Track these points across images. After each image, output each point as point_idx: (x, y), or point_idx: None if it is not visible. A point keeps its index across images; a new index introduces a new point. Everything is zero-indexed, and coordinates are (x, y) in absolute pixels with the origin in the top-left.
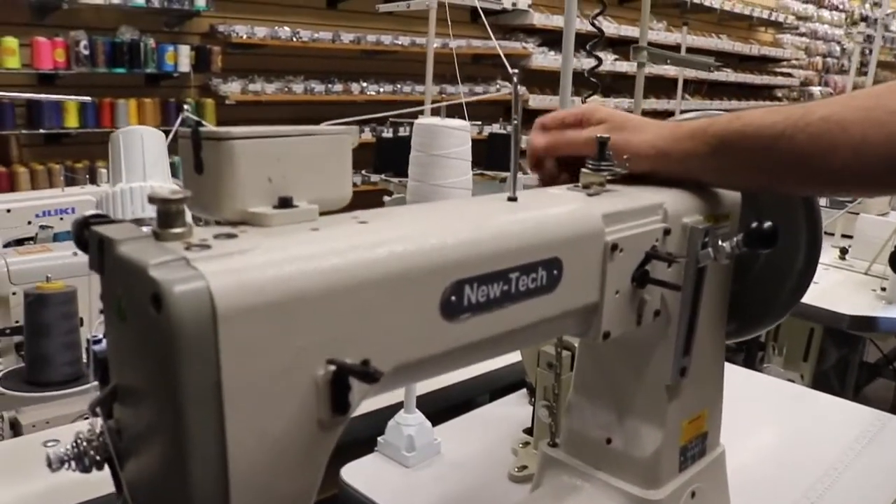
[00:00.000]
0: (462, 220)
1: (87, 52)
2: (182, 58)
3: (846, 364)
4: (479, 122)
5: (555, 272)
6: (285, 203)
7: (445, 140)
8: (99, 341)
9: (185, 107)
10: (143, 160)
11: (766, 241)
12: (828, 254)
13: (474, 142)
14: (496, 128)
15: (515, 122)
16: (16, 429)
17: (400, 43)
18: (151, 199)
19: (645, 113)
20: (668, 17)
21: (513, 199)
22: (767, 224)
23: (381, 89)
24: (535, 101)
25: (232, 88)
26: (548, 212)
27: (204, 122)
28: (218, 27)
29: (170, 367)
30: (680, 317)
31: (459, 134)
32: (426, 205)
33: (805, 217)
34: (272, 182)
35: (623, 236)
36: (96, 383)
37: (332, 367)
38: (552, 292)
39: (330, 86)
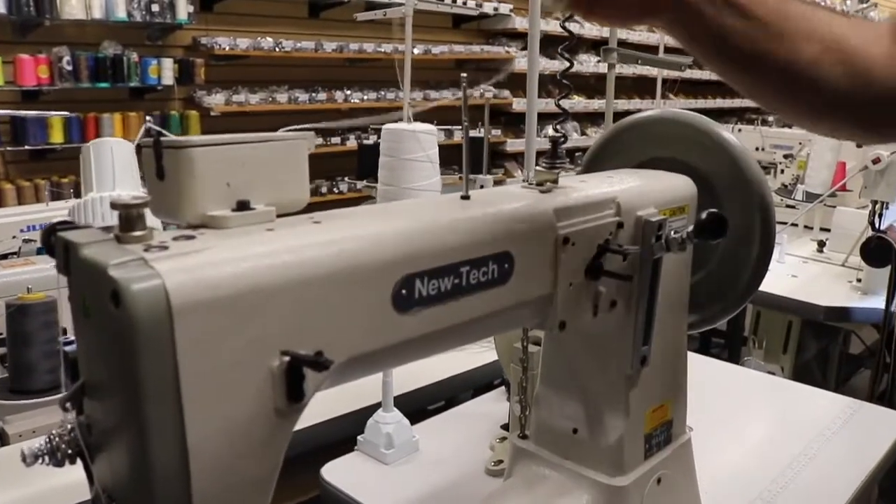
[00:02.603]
0: (414, 217)
1: (70, 68)
2: (165, 71)
3: (826, 356)
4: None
5: (506, 265)
6: (243, 206)
7: (413, 144)
8: (70, 342)
9: (148, 118)
10: (113, 170)
11: (715, 231)
12: (806, 247)
13: (456, 145)
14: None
15: (465, 123)
16: (2, 439)
17: (383, 50)
18: (113, 205)
19: (626, 113)
20: None
21: (465, 197)
22: (716, 214)
23: (365, 97)
24: (519, 104)
25: (216, 100)
26: (499, 208)
27: (165, 133)
28: (200, 39)
29: (129, 361)
30: (637, 307)
31: (426, 138)
32: (381, 205)
33: (759, 211)
34: (230, 187)
35: (575, 230)
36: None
37: (287, 358)
38: (504, 285)
39: (314, 94)
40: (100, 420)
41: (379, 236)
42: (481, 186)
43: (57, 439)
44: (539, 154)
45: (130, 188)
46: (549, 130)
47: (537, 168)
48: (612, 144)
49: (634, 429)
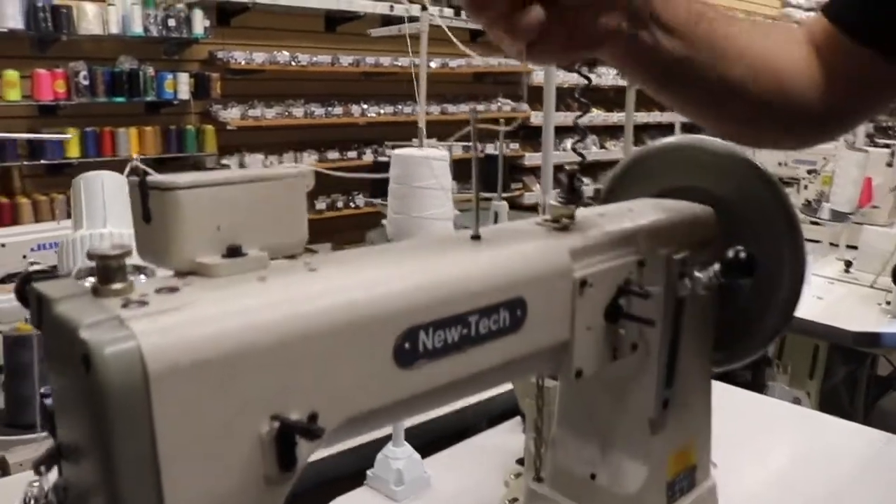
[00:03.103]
0: (417, 263)
1: (86, 83)
2: (181, 85)
3: (854, 380)
4: (466, 143)
5: (518, 312)
6: (234, 252)
7: (424, 171)
8: (48, 396)
9: (135, 156)
10: (104, 206)
11: (744, 270)
12: (832, 266)
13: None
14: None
15: (476, 154)
16: (3, 468)
17: (399, 64)
18: (90, 256)
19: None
20: None
21: (476, 237)
22: (744, 253)
23: (382, 111)
24: (537, 118)
25: (232, 114)
26: (511, 250)
27: (150, 172)
28: (217, 54)
29: (102, 429)
30: (659, 349)
31: (438, 164)
32: (383, 247)
33: (789, 241)
34: (221, 230)
35: (593, 272)
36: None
37: (277, 424)
38: (517, 332)
39: (330, 108)
40: (76, 485)
41: (380, 285)
42: (496, 214)
43: (32, 502)
44: (556, 169)
45: (122, 225)
46: (568, 144)
47: (552, 203)
48: (632, 173)
49: (656, 475)
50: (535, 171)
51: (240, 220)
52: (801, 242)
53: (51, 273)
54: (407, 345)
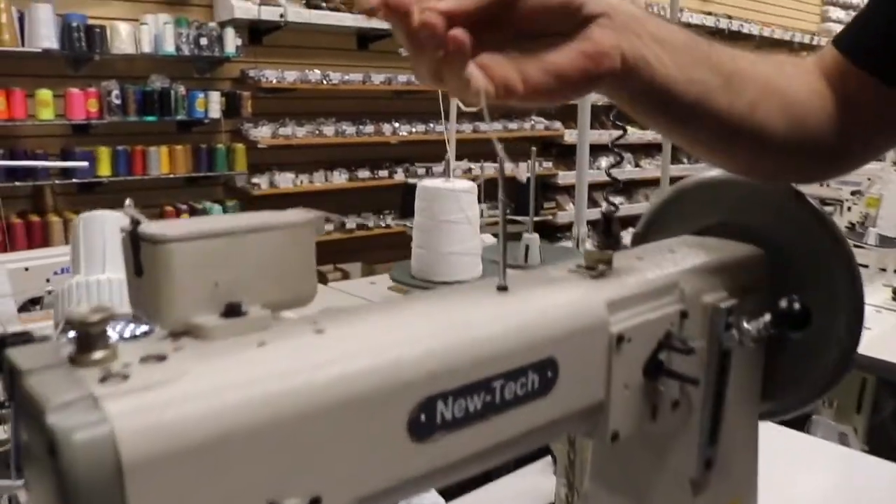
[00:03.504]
0: (436, 322)
1: (118, 102)
2: (212, 104)
3: None
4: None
5: (549, 374)
6: (232, 311)
7: (451, 204)
8: None
9: (128, 201)
10: (104, 251)
11: (798, 322)
12: (879, 294)
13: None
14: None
15: (502, 199)
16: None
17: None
18: (69, 322)
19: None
20: None
21: (502, 287)
22: (798, 303)
23: (414, 129)
24: (572, 136)
25: (262, 133)
26: (541, 303)
27: (142, 219)
28: (248, 72)
29: None
30: (702, 406)
31: (466, 197)
32: (397, 303)
33: (846, 285)
34: (219, 287)
35: (631, 325)
36: None
37: None
38: (547, 396)
39: (361, 127)
40: None
41: (393, 350)
42: (527, 247)
43: None
44: (592, 188)
45: (122, 272)
46: (602, 163)
47: (587, 249)
48: (672, 207)
49: None
50: (568, 189)
51: (240, 275)
52: (859, 286)
53: (28, 336)
54: (423, 416)
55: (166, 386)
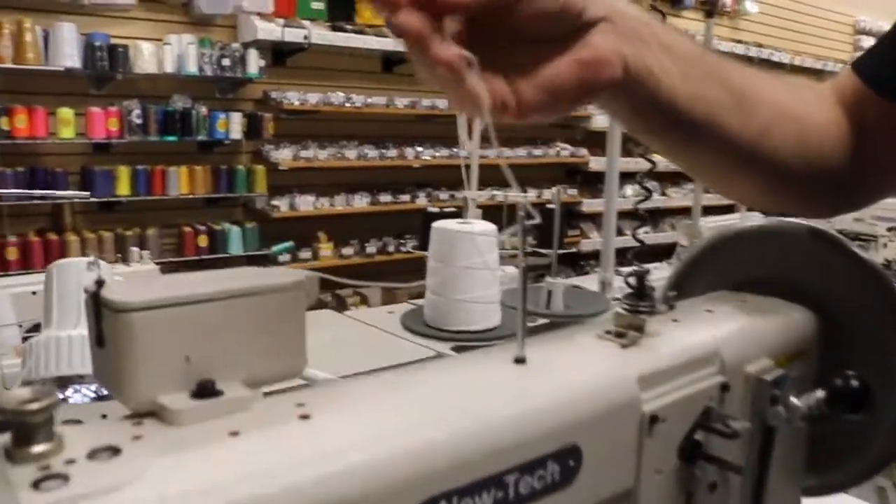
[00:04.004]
0: (440, 405)
1: (139, 121)
2: (233, 125)
3: None
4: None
5: (571, 463)
6: (205, 391)
7: (468, 248)
8: None
9: (91, 257)
10: (79, 303)
11: (856, 403)
12: None
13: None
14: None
15: (523, 265)
16: None
17: None
18: (2, 410)
19: None
20: None
21: (520, 360)
22: (857, 381)
23: (437, 153)
24: (597, 163)
25: (284, 155)
26: (563, 379)
27: (104, 280)
28: (271, 94)
29: None
30: (742, 489)
31: (484, 241)
32: (397, 379)
33: None
34: (191, 361)
35: (666, 403)
36: None
37: None
38: (568, 488)
39: (384, 151)
40: None
41: (391, 441)
42: (549, 292)
43: None
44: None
45: None
46: (628, 191)
47: (617, 311)
48: (708, 258)
49: None
50: (593, 217)
51: (216, 348)
52: None
53: None
54: None
55: (112, 494)
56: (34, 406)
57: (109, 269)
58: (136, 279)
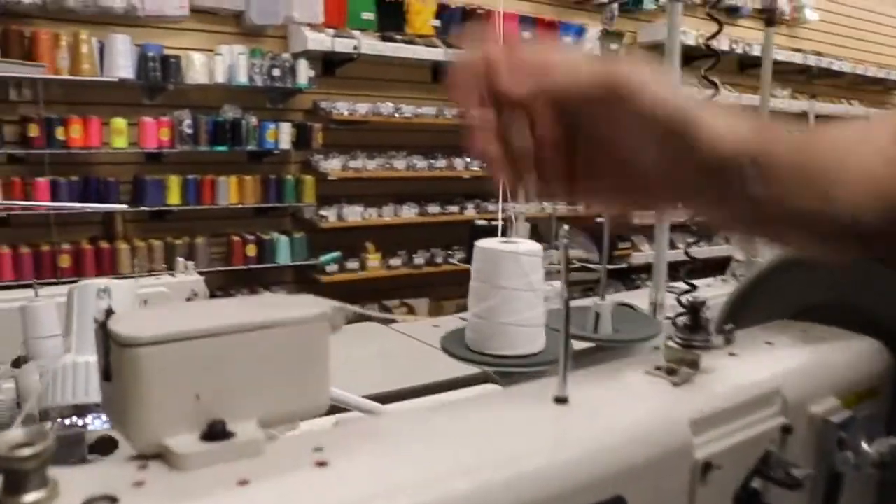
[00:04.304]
0: (471, 451)
1: (190, 131)
2: (283, 135)
3: None
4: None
5: None
6: (215, 432)
7: (512, 268)
8: None
9: (101, 286)
10: None
11: None
12: None
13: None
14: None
15: (566, 297)
16: None
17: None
18: None
19: None
20: (793, 83)
21: (561, 399)
22: None
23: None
24: None
25: (333, 165)
26: (608, 423)
27: (113, 309)
28: (320, 104)
29: None
30: None
31: (529, 261)
32: (424, 419)
33: None
34: (201, 400)
35: (721, 448)
36: None
37: None
38: None
39: (433, 161)
40: None
41: (414, 495)
42: (597, 315)
43: None
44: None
45: None
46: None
47: (668, 345)
48: (768, 284)
49: None
50: (644, 229)
51: (229, 386)
52: None
53: None
54: None
55: None
56: (26, 452)
57: (133, 289)
58: (150, 309)
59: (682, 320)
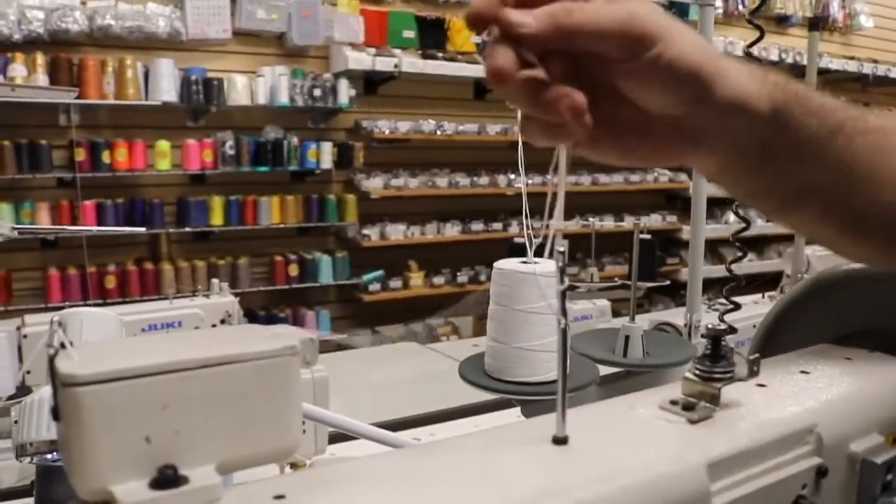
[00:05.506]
0: (447, 499)
1: (232, 152)
2: (324, 154)
3: None
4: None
5: None
6: (165, 479)
7: (531, 291)
8: None
9: (55, 318)
10: None
11: None
12: None
13: (627, 237)
14: (655, 220)
15: (564, 324)
16: None
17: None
18: None
19: None
20: (848, 91)
21: (560, 440)
22: None
23: (530, 181)
24: None
25: (374, 184)
26: (611, 467)
27: (67, 344)
28: (361, 122)
29: None
30: None
31: (550, 283)
32: (403, 459)
33: None
34: (151, 443)
35: (743, 494)
36: None
37: None
38: None
39: (475, 178)
40: None
41: None
42: (626, 338)
43: None
44: (718, 243)
45: None
46: (731, 217)
47: (687, 376)
48: (806, 305)
49: None
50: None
51: (184, 427)
52: None
53: None
54: None
55: None
56: None
57: (115, 319)
58: (102, 346)
59: (699, 344)
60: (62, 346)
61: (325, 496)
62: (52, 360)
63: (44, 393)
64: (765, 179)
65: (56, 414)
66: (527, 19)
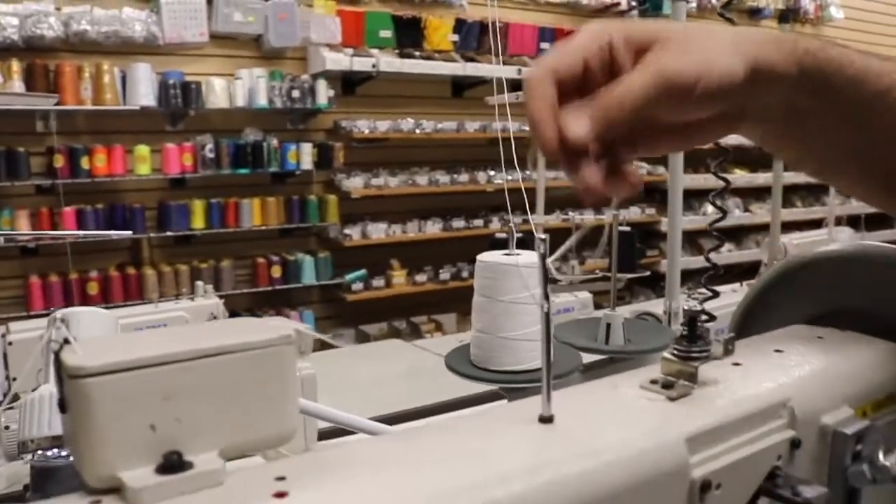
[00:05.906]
0: (445, 478)
1: (212, 155)
2: (304, 156)
3: None
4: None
5: None
6: (171, 465)
7: (514, 282)
8: None
9: (58, 315)
10: None
11: None
12: None
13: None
14: (634, 213)
15: (546, 309)
16: None
17: (527, 129)
18: None
19: (794, 187)
20: None
21: (546, 419)
22: None
23: (510, 177)
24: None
25: (355, 183)
26: (596, 443)
27: (71, 339)
28: (341, 123)
29: None
30: None
31: (531, 273)
32: (400, 440)
33: None
34: (157, 430)
35: (721, 466)
36: None
37: None
38: None
39: (455, 176)
40: None
41: None
42: (608, 326)
43: None
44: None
45: None
46: (709, 208)
47: (665, 356)
48: (780, 289)
49: None
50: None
51: (187, 415)
52: None
53: None
54: None
55: None
56: None
57: (112, 318)
58: (105, 340)
59: (678, 330)
60: (66, 341)
61: (324, 477)
62: (57, 354)
63: (43, 392)
64: (801, 144)
65: (63, 406)
66: (583, 130)
